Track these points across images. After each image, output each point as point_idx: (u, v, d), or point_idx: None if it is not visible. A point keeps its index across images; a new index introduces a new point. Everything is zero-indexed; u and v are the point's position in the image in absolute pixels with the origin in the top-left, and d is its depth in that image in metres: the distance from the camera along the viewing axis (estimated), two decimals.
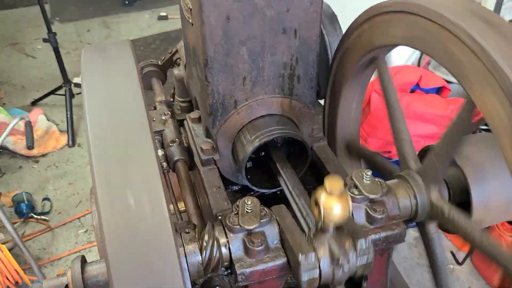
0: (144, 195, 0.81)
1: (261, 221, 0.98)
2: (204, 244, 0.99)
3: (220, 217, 1.02)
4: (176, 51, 1.74)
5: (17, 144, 2.82)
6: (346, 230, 0.95)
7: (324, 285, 0.96)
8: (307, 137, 1.33)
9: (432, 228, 1.12)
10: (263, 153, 1.31)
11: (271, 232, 0.99)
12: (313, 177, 1.38)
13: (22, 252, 2.04)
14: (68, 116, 3.04)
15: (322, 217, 0.86)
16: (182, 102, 1.64)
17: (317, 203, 0.87)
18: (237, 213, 1.00)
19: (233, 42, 1.09)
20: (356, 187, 1.06)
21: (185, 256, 0.96)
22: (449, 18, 0.86)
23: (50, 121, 3.08)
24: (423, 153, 1.19)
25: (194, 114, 1.41)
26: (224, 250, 0.98)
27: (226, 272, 1.09)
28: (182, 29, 1.34)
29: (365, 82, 1.42)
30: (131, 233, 0.78)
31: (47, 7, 4.65)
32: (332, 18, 1.50)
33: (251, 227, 0.97)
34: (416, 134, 2.14)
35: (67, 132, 3.02)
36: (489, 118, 0.80)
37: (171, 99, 1.70)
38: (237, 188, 1.41)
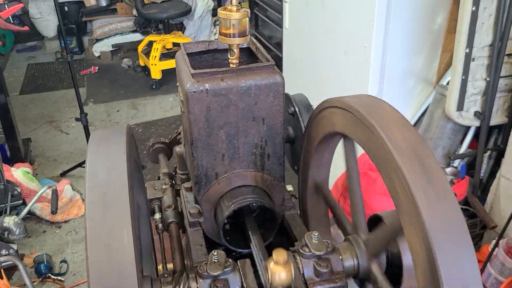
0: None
1: (225, 269, 1.21)
2: (179, 286, 1.22)
3: (195, 266, 1.26)
4: (179, 132, 2.07)
5: (44, 210, 3.14)
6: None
7: None
8: (278, 206, 1.57)
9: (375, 268, 1.31)
10: (241, 219, 1.56)
11: (234, 279, 1.22)
12: (285, 238, 1.61)
13: None
14: None
15: (269, 280, 1.09)
16: (181, 174, 1.92)
17: (267, 270, 1.11)
18: (207, 263, 1.24)
19: (213, 126, 1.38)
20: (307, 245, 1.29)
21: None
22: (397, 160, 1.01)
23: (75, 191, 3.41)
24: (373, 219, 1.42)
25: (187, 184, 1.69)
26: None
27: None
28: (181, 118, 1.66)
29: (333, 145, 1.65)
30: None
31: (83, 90, 5.27)
32: (308, 108, 1.81)
33: (215, 274, 1.20)
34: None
35: None
36: (411, 244, 1.01)
37: (174, 172, 2.00)
38: (222, 249, 1.64)
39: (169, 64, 5.28)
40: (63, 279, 2.71)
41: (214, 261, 1.22)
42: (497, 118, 2.30)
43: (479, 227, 2.38)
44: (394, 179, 1.04)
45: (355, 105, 1.22)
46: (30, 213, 3.12)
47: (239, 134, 1.43)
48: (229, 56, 1.41)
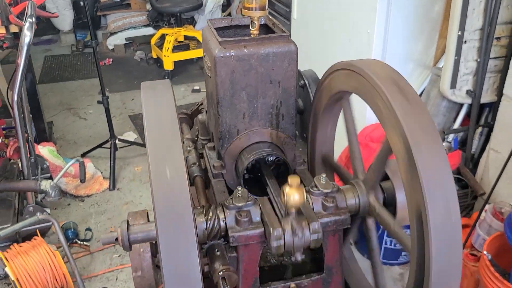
0: (174, 173, 1.26)
1: (247, 202, 1.45)
2: (209, 217, 1.46)
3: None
4: (201, 103, 2.31)
5: (69, 184, 3.39)
6: (305, 215, 1.41)
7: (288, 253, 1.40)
8: (290, 162, 1.81)
9: (370, 222, 1.55)
10: (258, 173, 1.80)
11: (254, 211, 1.46)
12: None
13: (71, 266, 2.50)
14: (111, 165, 3.62)
15: (285, 202, 1.33)
16: (203, 140, 2.16)
17: (283, 193, 1.35)
18: (232, 198, 1.48)
19: (236, 88, 1.62)
20: (316, 186, 1.53)
21: (195, 224, 1.43)
22: (378, 83, 1.34)
23: (96, 169, 3.66)
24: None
25: (210, 144, 1.93)
26: (222, 222, 1.45)
27: (223, 241, 1.53)
28: (205, 83, 1.90)
29: (334, 118, 1.90)
30: (165, 196, 1.22)
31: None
32: (316, 81, 2.05)
33: (240, 205, 1.44)
34: None
35: (109, 178, 3.58)
36: (394, 149, 1.26)
37: (196, 138, 2.24)
38: None
39: (181, 56, 5.53)
40: (88, 244, 2.95)
41: (238, 196, 1.47)
42: (488, 96, 2.53)
43: (470, 197, 2.61)
44: (379, 103, 1.29)
45: (351, 63, 1.46)
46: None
47: (258, 95, 1.67)
48: (250, 28, 1.66)
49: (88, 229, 3.08)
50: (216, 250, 1.48)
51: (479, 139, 2.65)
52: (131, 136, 4.30)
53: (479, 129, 2.63)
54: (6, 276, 2.46)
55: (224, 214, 1.45)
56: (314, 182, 1.54)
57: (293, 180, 1.30)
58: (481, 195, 2.44)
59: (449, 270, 1.17)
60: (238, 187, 1.48)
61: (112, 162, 3.62)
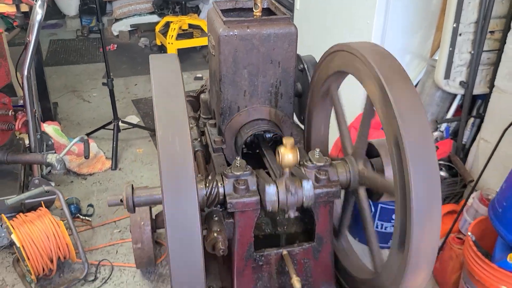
0: (179, 139, 1.36)
1: (245, 172, 1.56)
2: (209, 184, 1.56)
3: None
4: (204, 85, 2.41)
5: (72, 162, 3.48)
6: (298, 177, 1.51)
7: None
8: None
9: (362, 192, 1.65)
10: (256, 150, 1.90)
11: (251, 180, 1.56)
12: None
13: (73, 237, 2.60)
14: (114, 145, 3.71)
15: (280, 161, 1.43)
16: (205, 118, 2.26)
17: (278, 153, 1.45)
18: (231, 167, 1.58)
19: (238, 66, 1.72)
20: (310, 160, 1.63)
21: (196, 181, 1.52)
22: (359, 51, 1.47)
23: (99, 149, 3.75)
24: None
25: (211, 121, 2.03)
26: (220, 189, 1.55)
27: (221, 208, 1.63)
28: (209, 62, 2.00)
29: (327, 109, 2.01)
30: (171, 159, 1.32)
31: (103, 65, 5.57)
32: (314, 65, 2.15)
33: (238, 173, 1.54)
34: None
35: (112, 158, 3.68)
36: (371, 96, 1.38)
37: (198, 116, 2.34)
38: None
39: (185, 43, 5.61)
40: (90, 219, 3.05)
41: (237, 165, 1.57)
42: (480, 88, 2.62)
43: (459, 185, 2.71)
44: (358, 65, 1.42)
45: (348, 44, 1.56)
46: None
47: (259, 74, 1.77)
48: (254, 9, 1.75)
49: (90, 205, 3.18)
50: (214, 216, 1.59)
51: (471, 130, 2.75)
52: (134, 119, 4.38)
53: (471, 120, 2.72)
54: (11, 244, 2.56)
55: (223, 182, 1.55)
56: (308, 156, 1.64)
57: (288, 140, 1.40)
58: (469, 183, 2.54)
59: (428, 191, 1.27)
60: (236, 158, 1.58)
61: (114, 143, 3.71)
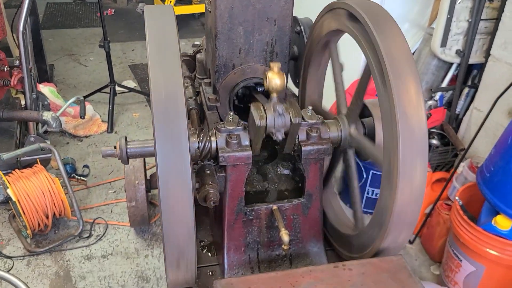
0: (171, 93, 1.36)
1: (237, 127, 1.58)
2: (202, 138, 1.58)
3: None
4: (200, 45, 2.41)
5: (68, 124, 3.49)
6: (286, 102, 1.53)
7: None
8: (281, 100, 1.92)
9: (351, 153, 1.68)
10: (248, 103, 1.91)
11: (243, 135, 1.58)
12: None
13: (69, 195, 2.63)
14: (110, 109, 3.72)
15: (267, 86, 1.45)
16: (200, 78, 2.27)
17: (265, 77, 1.46)
18: (224, 122, 1.60)
19: (234, 22, 1.72)
20: (302, 117, 1.65)
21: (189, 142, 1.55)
22: (352, 6, 1.47)
23: (95, 112, 3.76)
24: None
25: (206, 80, 2.04)
26: (213, 143, 1.57)
27: (213, 163, 1.66)
28: (205, 20, 1.99)
29: (322, 70, 2.01)
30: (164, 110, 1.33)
31: (100, 29, 5.53)
32: (309, 23, 2.14)
33: (230, 128, 1.56)
34: None
35: (108, 121, 3.69)
36: (366, 57, 1.39)
37: (193, 76, 2.35)
38: None
39: (183, 10, 5.55)
40: (85, 179, 3.08)
41: (230, 120, 1.59)
42: (476, 57, 2.63)
43: (451, 154, 2.74)
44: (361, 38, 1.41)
45: (348, 2, 1.55)
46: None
47: (254, 32, 1.77)
48: None
49: (86, 166, 3.21)
50: (207, 169, 1.61)
51: (465, 100, 2.76)
52: (130, 84, 4.38)
53: (466, 90, 2.74)
54: (7, 200, 2.59)
55: (216, 137, 1.57)
56: (301, 114, 1.66)
57: (275, 64, 1.43)
58: (460, 151, 2.57)
59: (413, 156, 1.30)
60: (230, 113, 1.60)
61: (111, 106, 3.72)
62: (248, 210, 1.66)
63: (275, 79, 1.41)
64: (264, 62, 1.84)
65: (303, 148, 1.60)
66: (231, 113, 1.59)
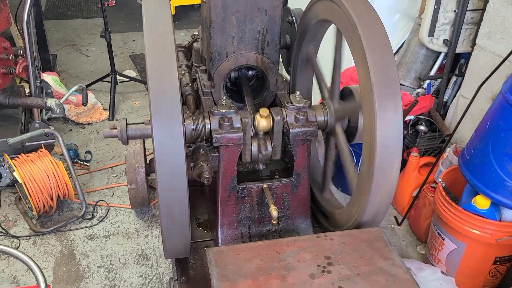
0: (167, 76, 1.47)
1: (230, 110, 1.69)
2: (196, 120, 1.69)
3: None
4: (196, 34, 2.52)
5: (70, 111, 3.61)
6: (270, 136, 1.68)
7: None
8: (273, 86, 2.04)
9: (338, 128, 1.78)
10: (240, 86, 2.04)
11: (235, 118, 1.69)
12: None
13: (72, 178, 2.75)
14: (111, 97, 3.83)
15: (256, 126, 1.61)
16: (196, 66, 2.38)
17: (254, 119, 1.64)
18: (217, 106, 1.71)
19: (227, 12, 1.82)
20: (291, 101, 1.76)
21: (184, 125, 1.67)
22: (351, 14, 1.56)
23: (97, 100, 3.88)
24: (343, 91, 1.90)
25: (202, 67, 2.15)
26: (207, 125, 1.69)
27: (207, 144, 1.77)
28: (201, 10, 2.10)
29: (313, 51, 2.11)
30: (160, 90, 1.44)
31: (101, 20, 5.63)
32: (301, 14, 2.25)
33: (223, 111, 1.68)
34: None
35: (109, 109, 3.81)
36: (350, 46, 1.51)
37: (190, 64, 2.46)
38: None
39: (183, 0, 5.63)
40: (88, 164, 3.21)
41: (223, 104, 1.70)
42: (463, 47, 2.73)
43: (438, 140, 2.86)
44: (352, 33, 1.51)
45: None
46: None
47: (247, 21, 1.88)
48: None
49: (88, 151, 3.33)
50: (201, 149, 1.73)
51: (452, 88, 2.87)
52: (131, 73, 4.49)
53: (453, 79, 2.84)
54: (13, 183, 2.72)
55: (210, 119, 1.69)
56: (290, 98, 1.77)
57: (263, 111, 1.65)
58: (446, 136, 2.68)
59: (392, 139, 1.43)
60: (223, 97, 1.71)
61: (112, 94, 3.83)
62: (240, 188, 1.78)
63: (262, 121, 1.69)
64: (256, 50, 1.95)
65: (291, 130, 1.72)
66: (224, 98, 1.70)
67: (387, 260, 1.37)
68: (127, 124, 1.66)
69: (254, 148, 1.73)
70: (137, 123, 1.69)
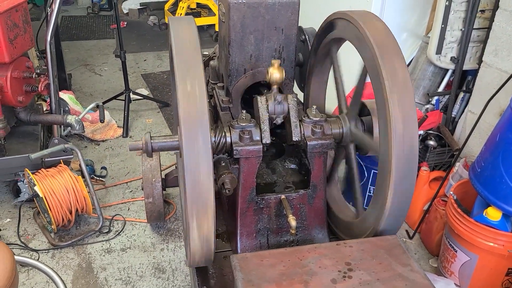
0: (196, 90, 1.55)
1: (249, 123, 1.76)
2: (217, 134, 1.77)
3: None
4: (214, 53, 2.61)
5: (86, 129, 3.69)
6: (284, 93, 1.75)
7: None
8: None
9: (351, 148, 1.86)
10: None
11: (255, 131, 1.76)
12: None
13: (90, 192, 2.82)
14: (125, 115, 3.93)
15: (269, 79, 1.68)
16: (213, 83, 2.46)
17: (267, 72, 1.70)
18: (237, 120, 1.79)
19: (245, 31, 1.92)
20: (307, 115, 1.83)
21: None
22: (354, 18, 1.67)
23: (111, 117, 3.97)
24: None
25: (220, 84, 2.24)
26: (227, 138, 1.76)
27: (227, 156, 1.84)
28: (218, 29, 2.19)
29: (325, 75, 2.21)
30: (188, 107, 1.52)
31: (113, 41, 5.80)
32: (313, 33, 2.34)
33: (243, 124, 1.75)
34: None
35: (123, 126, 3.90)
36: (365, 62, 1.58)
37: (206, 82, 2.54)
38: None
39: None
40: (104, 180, 3.28)
41: (242, 118, 1.78)
42: (470, 64, 2.81)
43: (447, 155, 2.91)
44: (365, 47, 1.60)
45: (348, 13, 1.75)
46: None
47: (264, 40, 1.97)
48: None
49: (103, 167, 3.41)
50: (222, 162, 1.80)
51: (460, 104, 2.94)
52: (143, 92, 4.60)
53: (461, 95, 2.92)
54: (32, 198, 2.79)
55: (230, 132, 1.76)
56: (306, 113, 1.85)
57: (275, 61, 1.70)
58: (456, 151, 2.74)
59: (407, 154, 1.48)
60: (242, 111, 1.79)
61: (126, 112, 3.93)
62: (259, 199, 1.84)
63: (275, 73, 1.71)
64: None
65: (308, 143, 1.79)
66: (244, 112, 1.78)
67: (405, 266, 1.41)
68: (151, 137, 1.74)
69: (271, 101, 1.75)
70: (162, 136, 1.77)
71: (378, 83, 1.55)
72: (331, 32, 1.92)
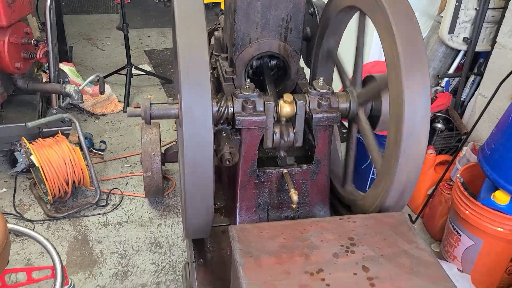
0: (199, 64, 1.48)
1: (253, 93, 1.69)
2: (220, 103, 1.70)
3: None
4: (218, 24, 2.53)
5: (86, 102, 3.63)
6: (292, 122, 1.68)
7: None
8: (294, 75, 2.04)
9: (361, 113, 1.77)
10: (261, 77, 2.04)
11: (258, 101, 1.69)
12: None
13: (88, 167, 2.76)
14: (126, 89, 3.85)
15: (279, 112, 1.61)
16: (216, 55, 2.38)
17: (277, 104, 1.63)
18: (240, 89, 1.71)
19: None
20: (314, 87, 1.76)
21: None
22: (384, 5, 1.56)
23: (112, 91, 3.90)
24: (367, 79, 1.89)
25: (223, 55, 2.15)
26: (230, 108, 1.69)
27: (229, 127, 1.77)
28: None
29: (335, 43, 2.11)
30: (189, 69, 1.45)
31: (117, 16, 5.69)
32: (322, 5, 2.25)
33: (247, 94, 1.68)
34: None
35: (124, 101, 3.83)
36: (385, 50, 1.50)
37: (210, 54, 2.46)
38: None
39: None
40: (102, 154, 3.22)
41: (246, 87, 1.70)
42: (483, 46, 2.72)
43: (455, 139, 2.84)
44: (380, 19, 1.51)
45: None
46: (73, 105, 3.62)
47: (271, 7, 1.88)
48: None
49: (103, 141, 3.35)
50: (223, 132, 1.73)
51: (470, 87, 2.86)
52: (146, 68, 4.51)
53: (472, 78, 2.83)
54: (28, 168, 2.73)
55: (233, 102, 1.69)
56: (313, 85, 1.77)
57: (287, 96, 1.63)
58: (464, 135, 2.67)
59: (418, 115, 1.41)
60: (246, 80, 1.71)
61: (127, 86, 3.85)
62: (260, 173, 1.77)
63: (286, 107, 1.66)
64: (279, 37, 1.95)
65: (313, 116, 1.71)
66: (248, 81, 1.70)
67: (411, 243, 1.35)
68: (150, 103, 1.67)
69: (277, 134, 1.70)
70: (161, 103, 1.70)
71: (392, 56, 1.47)
72: (342, 1, 1.83)
